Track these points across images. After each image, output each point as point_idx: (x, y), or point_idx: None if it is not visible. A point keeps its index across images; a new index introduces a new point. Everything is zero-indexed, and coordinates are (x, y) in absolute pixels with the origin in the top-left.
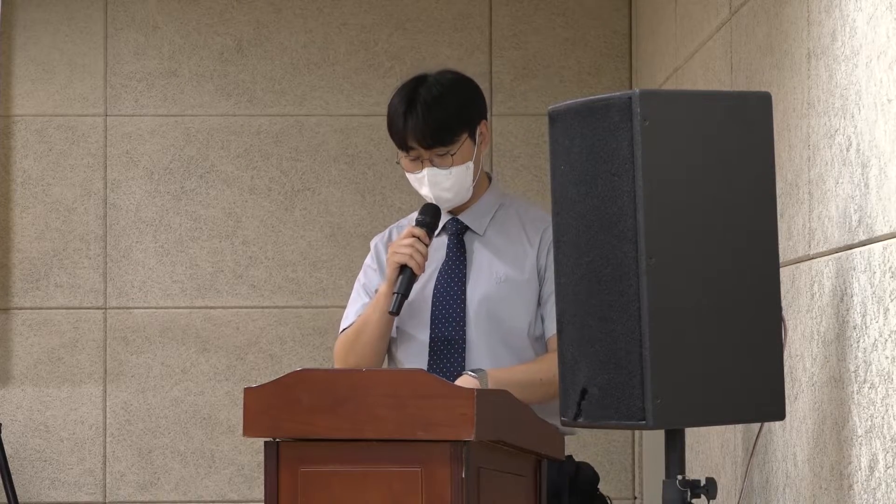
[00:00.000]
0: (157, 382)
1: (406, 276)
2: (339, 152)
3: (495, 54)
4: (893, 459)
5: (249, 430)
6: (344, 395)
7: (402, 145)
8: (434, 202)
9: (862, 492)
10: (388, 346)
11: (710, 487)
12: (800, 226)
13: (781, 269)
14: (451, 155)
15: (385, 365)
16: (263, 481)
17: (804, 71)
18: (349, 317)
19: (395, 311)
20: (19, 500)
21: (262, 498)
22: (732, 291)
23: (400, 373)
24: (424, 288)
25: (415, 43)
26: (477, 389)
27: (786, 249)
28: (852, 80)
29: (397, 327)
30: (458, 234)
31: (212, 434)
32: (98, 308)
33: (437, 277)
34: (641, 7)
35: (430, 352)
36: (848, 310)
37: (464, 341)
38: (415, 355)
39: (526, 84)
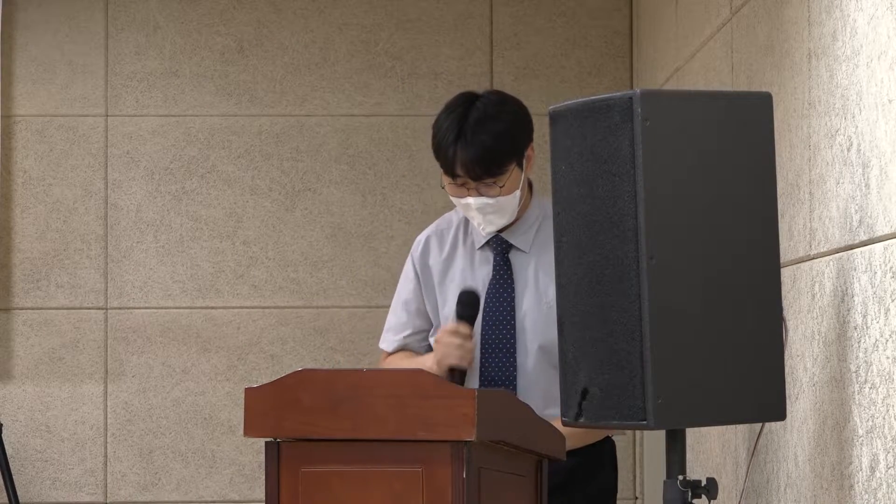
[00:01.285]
0: (158, 382)
1: (457, 376)
2: (340, 152)
3: (496, 54)
4: (894, 460)
5: (250, 430)
6: (345, 395)
7: (450, 172)
8: (478, 225)
9: (863, 492)
10: None
11: (710, 487)
12: (800, 226)
13: (782, 270)
14: (500, 186)
15: None
16: (264, 481)
17: (805, 71)
18: (389, 331)
19: None
20: (20, 500)
21: (263, 498)
22: (733, 291)
23: (401, 373)
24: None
25: (415, 43)
26: (477, 389)
27: (787, 249)
28: (853, 81)
29: None
30: (504, 253)
31: (213, 434)
32: (99, 308)
33: (486, 300)
34: (642, 7)
35: (481, 368)
36: (849, 310)
37: (514, 359)
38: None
39: (527, 84)
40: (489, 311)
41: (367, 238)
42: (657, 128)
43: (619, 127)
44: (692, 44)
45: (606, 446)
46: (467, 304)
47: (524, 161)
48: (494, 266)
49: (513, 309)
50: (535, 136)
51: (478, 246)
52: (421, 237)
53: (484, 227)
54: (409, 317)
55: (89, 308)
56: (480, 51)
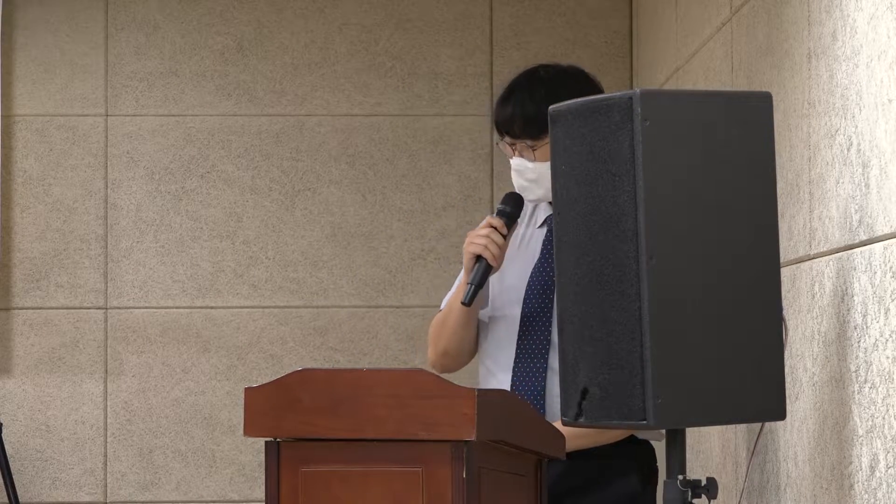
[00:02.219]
0: (158, 382)
1: (481, 266)
2: (340, 152)
3: (496, 54)
4: (894, 459)
5: (250, 429)
6: (345, 394)
7: (499, 129)
8: (518, 191)
9: (863, 492)
10: (479, 331)
11: (710, 487)
12: (800, 226)
13: (782, 269)
14: (534, 150)
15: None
16: (264, 481)
17: (805, 71)
18: (449, 295)
19: (468, 303)
20: (20, 500)
21: (263, 498)
22: (733, 291)
23: (401, 373)
24: (519, 276)
25: (416, 43)
26: (477, 389)
27: (786, 249)
28: (853, 80)
29: (490, 315)
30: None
31: (212, 434)
32: (99, 308)
33: (532, 274)
34: (642, 7)
35: (518, 337)
36: (849, 310)
37: (549, 333)
38: (501, 350)
39: None
40: (533, 284)
41: (366, 238)
42: (657, 128)
43: (619, 127)
44: (692, 44)
45: (633, 451)
46: (507, 202)
47: None
48: (544, 242)
49: (553, 284)
50: None
51: (538, 224)
52: None
53: (519, 191)
54: None
55: (89, 308)
56: (480, 51)
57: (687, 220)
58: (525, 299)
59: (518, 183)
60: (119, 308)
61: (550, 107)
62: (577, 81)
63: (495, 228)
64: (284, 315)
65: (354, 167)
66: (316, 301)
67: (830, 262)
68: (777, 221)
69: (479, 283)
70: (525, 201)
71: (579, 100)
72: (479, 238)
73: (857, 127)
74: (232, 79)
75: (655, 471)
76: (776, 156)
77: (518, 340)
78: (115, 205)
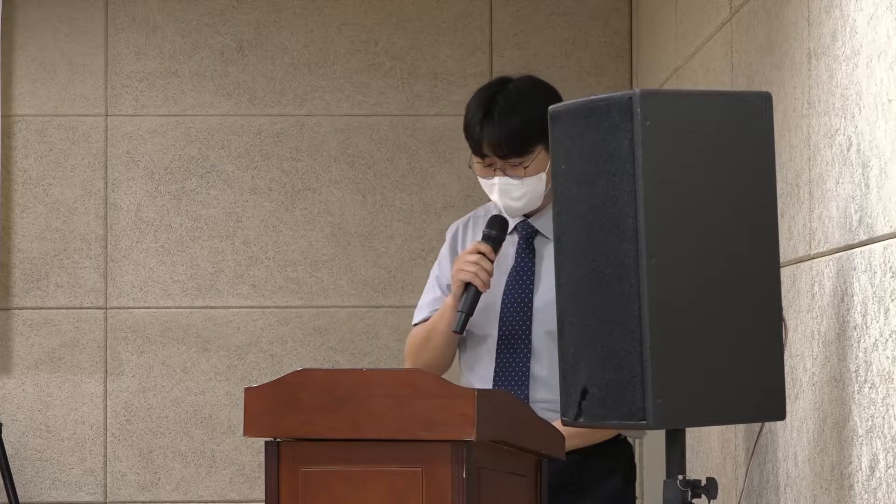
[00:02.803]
0: (158, 382)
1: (470, 294)
2: (340, 152)
3: (496, 54)
4: (894, 459)
5: (250, 429)
6: (344, 394)
7: (477, 151)
8: (503, 212)
9: (863, 492)
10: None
11: (710, 487)
12: (800, 226)
13: (782, 269)
14: (525, 167)
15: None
16: (264, 481)
17: (805, 71)
18: (422, 308)
19: (459, 331)
20: (20, 500)
21: (263, 498)
22: (733, 291)
23: (400, 373)
24: (494, 292)
25: (415, 43)
26: (477, 389)
27: (786, 249)
28: (853, 80)
29: (467, 333)
30: (529, 239)
31: (212, 434)
32: (99, 308)
33: (507, 281)
34: (642, 7)
35: (497, 351)
36: (848, 310)
37: (528, 346)
38: (484, 355)
39: None
40: (509, 293)
41: (366, 238)
42: (657, 128)
43: (619, 127)
44: (692, 44)
45: (618, 449)
46: (494, 226)
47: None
48: (517, 250)
49: (531, 293)
50: None
51: (508, 231)
52: (456, 223)
53: (505, 211)
54: (441, 293)
55: (89, 308)
56: (480, 51)
57: (687, 220)
58: (501, 317)
59: (503, 203)
60: (119, 308)
61: (550, 107)
62: (544, 89)
63: (484, 255)
64: (284, 315)
65: (354, 167)
66: (316, 301)
67: (830, 262)
68: (777, 221)
69: (469, 311)
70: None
71: (579, 100)
72: (468, 265)
73: (856, 127)
74: (232, 79)
75: (635, 468)
76: (776, 156)
77: (497, 355)
78: (114, 205)
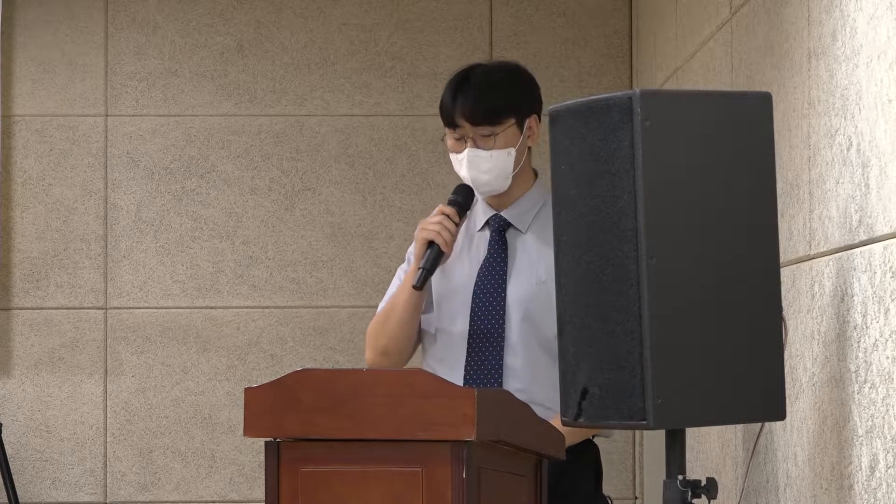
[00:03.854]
0: (158, 382)
1: (433, 252)
2: (340, 152)
3: (496, 54)
4: (894, 459)
5: (250, 430)
6: (344, 394)
7: (450, 122)
8: (470, 184)
9: (863, 492)
10: (423, 343)
11: (710, 487)
12: (800, 226)
13: (782, 269)
14: (494, 136)
15: (422, 364)
16: (264, 481)
17: (805, 71)
18: (384, 301)
19: (419, 286)
20: (20, 500)
21: (263, 498)
22: (733, 291)
23: (400, 372)
24: (466, 284)
25: (415, 43)
26: (477, 389)
27: (786, 249)
28: (853, 80)
29: (436, 326)
30: (501, 231)
31: (212, 434)
32: (99, 308)
33: (479, 273)
34: (642, 7)
35: (468, 345)
36: (848, 310)
37: (502, 338)
38: (454, 348)
39: None
40: (481, 285)
41: (366, 238)
42: (657, 128)
43: (619, 127)
44: (692, 44)
45: (590, 451)
46: (459, 192)
47: (525, 127)
48: (490, 241)
49: (504, 283)
50: None
51: (478, 228)
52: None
53: (473, 184)
54: None
55: (89, 308)
56: (480, 51)
57: (687, 220)
58: (473, 310)
59: (471, 175)
60: (119, 308)
61: (550, 107)
62: (519, 69)
63: (448, 216)
64: (284, 315)
65: (354, 167)
66: (316, 301)
67: (830, 262)
68: (777, 221)
69: (430, 268)
70: (476, 194)
71: (579, 100)
72: (431, 224)
73: (856, 127)
74: (232, 79)
75: (602, 468)
76: (776, 156)
77: (469, 348)
78: (114, 205)
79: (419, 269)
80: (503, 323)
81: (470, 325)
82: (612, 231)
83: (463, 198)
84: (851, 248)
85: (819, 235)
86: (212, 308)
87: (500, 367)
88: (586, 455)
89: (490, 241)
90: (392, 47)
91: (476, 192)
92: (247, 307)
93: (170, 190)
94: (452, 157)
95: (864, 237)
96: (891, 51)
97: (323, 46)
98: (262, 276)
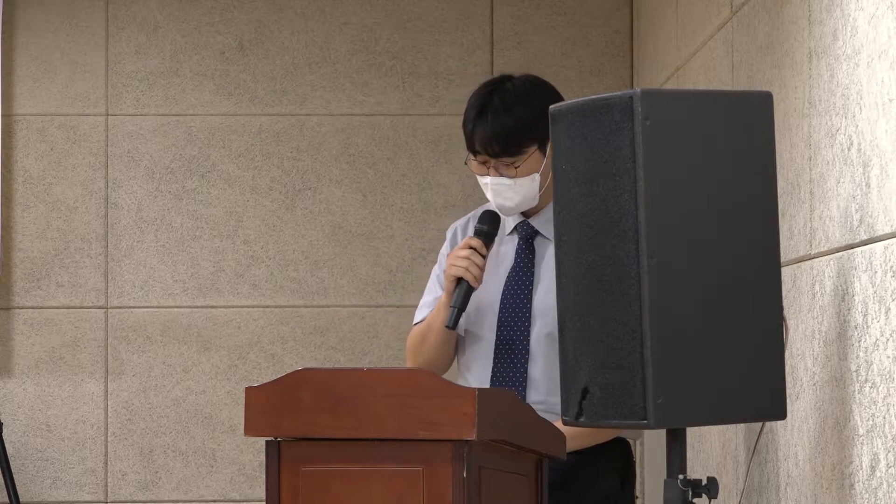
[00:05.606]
0: (159, 382)
1: (462, 289)
2: (341, 151)
3: (496, 53)
4: (895, 459)
5: (251, 429)
6: (345, 394)
7: (471, 147)
8: (496, 210)
9: (863, 491)
10: (456, 345)
11: (711, 487)
12: (801, 225)
13: (783, 269)
14: (516, 167)
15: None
16: (265, 481)
17: (805, 70)
18: (422, 308)
19: (452, 326)
20: (21, 500)
21: (264, 497)
22: (734, 291)
23: (401, 372)
24: (494, 291)
25: (416, 42)
26: (477, 389)
27: (787, 249)
28: (853, 80)
29: (465, 329)
30: (529, 239)
31: (213, 433)
32: (99, 307)
33: (507, 280)
34: (643, 6)
35: (494, 354)
36: (849, 309)
37: (527, 350)
38: (481, 356)
39: None
40: (508, 293)
41: (367, 237)
42: (657, 127)
43: (620, 126)
44: (692, 43)
45: (616, 450)
46: (485, 221)
47: (548, 148)
48: (517, 250)
49: (530, 293)
50: None
51: (507, 232)
52: (457, 223)
53: (499, 210)
54: (441, 293)
55: (90, 307)
56: (481, 50)
57: (687, 220)
58: (500, 318)
59: (496, 202)
60: (120, 307)
61: (551, 107)
62: (543, 89)
63: (475, 249)
64: (285, 314)
65: (355, 167)
66: (316, 301)
67: (831, 262)
68: (777, 221)
69: (461, 307)
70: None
71: (580, 99)
72: (459, 260)
73: (857, 126)
74: (232, 78)
75: (633, 470)
76: (777, 155)
77: (495, 357)
78: (115, 204)
79: (451, 307)
80: (528, 334)
81: (497, 334)
82: (612, 231)
83: (489, 226)
84: (852, 248)
85: (820, 235)
86: (212, 307)
87: (525, 377)
88: (611, 454)
89: (517, 249)
90: (393, 47)
91: (502, 217)
92: (247, 306)
93: (170, 189)
94: (478, 178)
95: (864, 237)
96: (891, 50)
97: (324, 46)
98: (263, 275)
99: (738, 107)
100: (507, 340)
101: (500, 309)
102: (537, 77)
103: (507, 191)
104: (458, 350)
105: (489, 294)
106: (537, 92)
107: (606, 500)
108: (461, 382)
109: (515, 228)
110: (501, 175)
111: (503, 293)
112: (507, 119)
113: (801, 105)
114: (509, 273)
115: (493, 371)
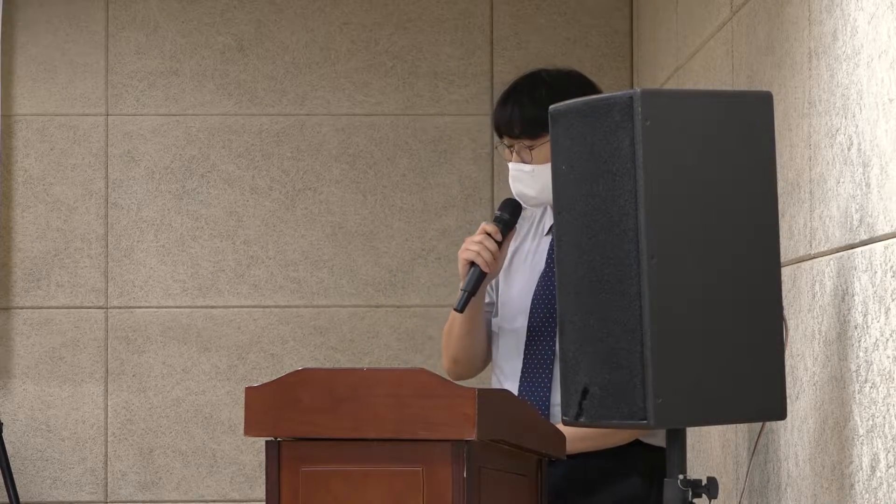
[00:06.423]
0: (159, 382)
1: (474, 273)
2: (341, 151)
3: (496, 53)
4: (895, 459)
5: (251, 429)
6: (345, 394)
7: (497, 130)
8: (516, 198)
9: (863, 491)
10: (493, 342)
11: (711, 487)
12: (801, 225)
13: (783, 269)
14: (532, 150)
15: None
16: (265, 481)
17: (805, 70)
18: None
19: (460, 309)
20: (21, 500)
21: (264, 498)
22: (734, 291)
23: (401, 372)
24: (525, 293)
25: (416, 42)
26: (478, 388)
27: (787, 249)
28: (853, 80)
29: (499, 327)
30: None
31: (213, 433)
32: (99, 307)
33: (538, 284)
34: (642, 6)
35: (527, 337)
36: (849, 309)
37: (553, 342)
38: (511, 343)
39: None
40: (539, 295)
41: (367, 237)
42: (657, 127)
43: (620, 126)
44: (692, 43)
45: (636, 452)
46: (505, 208)
47: None
48: (549, 251)
49: None
50: None
51: (545, 232)
52: None
53: (518, 198)
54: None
55: (90, 307)
56: (481, 50)
57: (687, 220)
58: (531, 312)
59: (516, 189)
60: (119, 308)
61: (551, 106)
62: (578, 85)
63: (489, 235)
64: (285, 315)
65: (355, 167)
66: (316, 301)
67: (831, 262)
68: (777, 221)
69: (471, 290)
70: (525, 207)
71: (580, 99)
72: (472, 244)
73: (857, 126)
74: (232, 78)
75: (657, 472)
76: (777, 155)
77: (525, 351)
78: (115, 204)
79: (461, 290)
80: (554, 333)
81: (528, 330)
82: (612, 231)
83: (509, 213)
84: (852, 248)
85: (820, 235)
86: (212, 307)
87: (550, 376)
88: (630, 456)
89: (550, 252)
90: (393, 46)
91: (524, 206)
92: (247, 306)
93: (170, 189)
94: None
95: (864, 236)
96: (891, 50)
97: (324, 46)
98: (263, 275)
99: (737, 107)
100: (538, 326)
101: (532, 306)
102: (575, 69)
103: (527, 177)
104: (494, 345)
105: (521, 296)
106: (570, 84)
107: (625, 500)
108: (493, 379)
109: (551, 228)
110: (521, 160)
111: (534, 294)
112: (529, 102)
113: (801, 105)
114: (541, 276)
115: (523, 366)
